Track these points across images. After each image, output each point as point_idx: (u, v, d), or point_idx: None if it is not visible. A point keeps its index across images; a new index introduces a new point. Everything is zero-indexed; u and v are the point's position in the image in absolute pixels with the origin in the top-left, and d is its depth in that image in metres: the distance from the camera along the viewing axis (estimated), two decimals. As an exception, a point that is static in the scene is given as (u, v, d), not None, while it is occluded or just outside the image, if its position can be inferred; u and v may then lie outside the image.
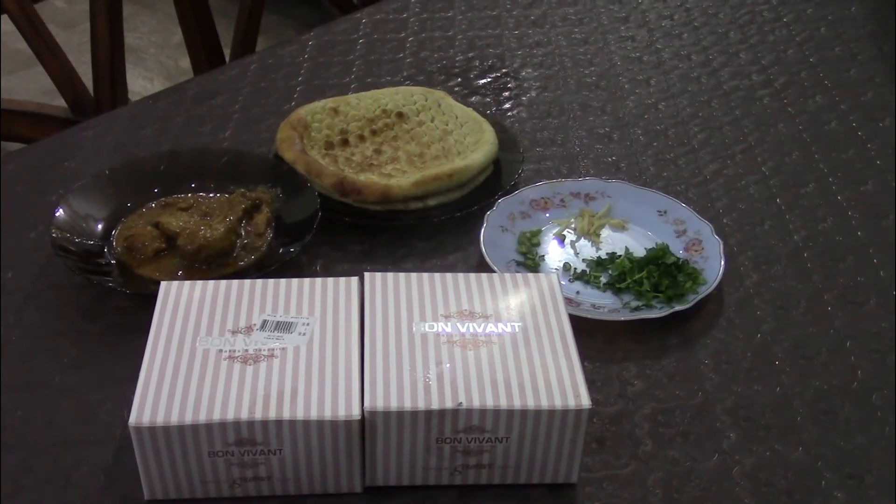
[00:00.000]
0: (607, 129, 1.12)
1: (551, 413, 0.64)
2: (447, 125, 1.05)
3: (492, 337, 0.69)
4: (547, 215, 0.96)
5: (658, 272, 0.86)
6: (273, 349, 0.67)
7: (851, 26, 1.35)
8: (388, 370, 0.66)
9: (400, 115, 1.06)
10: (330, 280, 0.74)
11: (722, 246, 0.89)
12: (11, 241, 0.91)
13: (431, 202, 0.96)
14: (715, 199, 1.01)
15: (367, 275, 0.74)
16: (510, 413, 0.64)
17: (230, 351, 0.67)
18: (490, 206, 0.94)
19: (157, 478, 0.65)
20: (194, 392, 0.64)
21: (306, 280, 0.74)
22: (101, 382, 0.77)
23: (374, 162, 1.00)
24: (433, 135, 1.04)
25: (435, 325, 0.70)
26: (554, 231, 0.95)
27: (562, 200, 0.97)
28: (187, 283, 0.73)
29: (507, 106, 1.16)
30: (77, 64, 1.93)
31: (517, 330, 0.70)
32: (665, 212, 0.95)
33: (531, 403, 0.64)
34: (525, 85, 1.20)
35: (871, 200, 1.01)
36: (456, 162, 0.98)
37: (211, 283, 0.73)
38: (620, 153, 1.07)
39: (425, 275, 0.75)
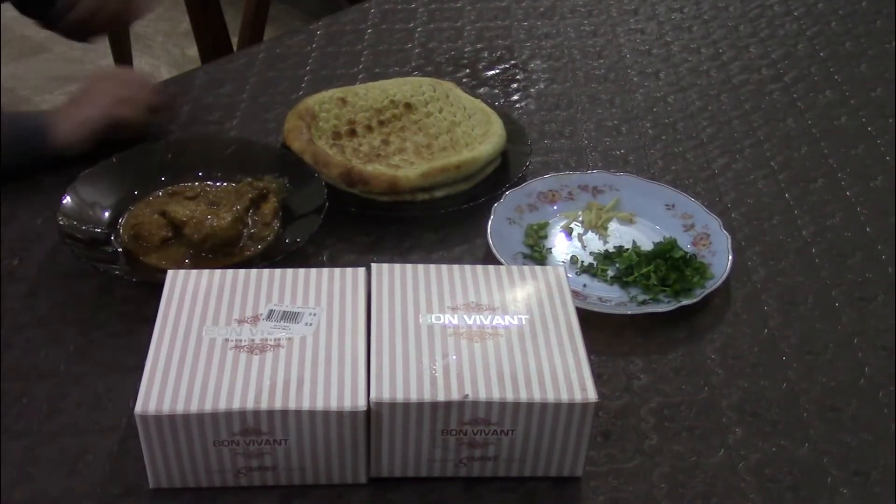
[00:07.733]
0: (616, 122, 1.12)
1: (557, 406, 0.64)
2: (455, 116, 1.04)
3: (498, 329, 0.69)
4: (554, 208, 0.96)
5: (665, 266, 0.86)
6: (279, 339, 0.67)
7: (862, 21, 1.34)
8: (395, 362, 0.66)
9: (408, 105, 1.06)
10: (336, 270, 0.74)
11: (730, 241, 0.89)
12: (18, 228, 0.91)
13: (438, 193, 0.96)
14: (723, 193, 1.00)
15: (373, 266, 0.74)
16: (516, 406, 0.64)
17: (236, 340, 0.67)
18: (497, 198, 0.94)
19: (162, 466, 0.65)
20: (200, 381, 0.64)
21: (313, 270, 0.74)
22: (108, 371, 0.77)
23: (382, 153, 1.00)
24: (441, 126, 1.04)
25: (442, 316, 0.70)
26: (561, 224, 0.95)
27: (569, 193, 0.97)
28: (194, 272, 0.73)
29: (516, 98, 1.16)
30: (86, 50, 1.92)
31: (524, 323, 0.69)
32: (673, 206, 0.95)
33: (537, 396, 0.64)
34: (533, 77, 1.20)
35: (880, 196, 1.00)
36: (464, 153, 0.97)
37: (217, 272, 0.73)
38: (629, 146, 1.07)
39: (432, 266, 0.74)
